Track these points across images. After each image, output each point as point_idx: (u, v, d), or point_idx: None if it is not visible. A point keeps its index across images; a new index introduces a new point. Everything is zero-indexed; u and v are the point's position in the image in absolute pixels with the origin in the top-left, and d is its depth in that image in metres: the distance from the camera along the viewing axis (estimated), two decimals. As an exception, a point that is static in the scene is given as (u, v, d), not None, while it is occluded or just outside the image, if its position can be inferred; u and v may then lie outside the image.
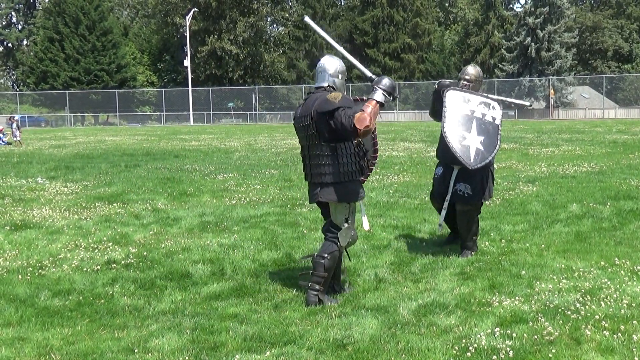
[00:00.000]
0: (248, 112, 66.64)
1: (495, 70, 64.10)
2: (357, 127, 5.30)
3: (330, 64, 5.81)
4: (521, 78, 60.24)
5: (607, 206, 9.72)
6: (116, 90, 63.18)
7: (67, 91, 62.38)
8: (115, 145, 26.68)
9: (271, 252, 7.43)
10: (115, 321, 5.36)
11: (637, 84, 64.02)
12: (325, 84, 5.74)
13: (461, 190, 7.15)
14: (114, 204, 10.89)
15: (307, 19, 6.43)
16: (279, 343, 4.80)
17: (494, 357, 4.46)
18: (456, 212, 7.24)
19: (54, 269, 6.91)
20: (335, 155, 5.56)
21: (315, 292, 5.61)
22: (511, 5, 73.82)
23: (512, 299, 5.59)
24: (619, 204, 9.83)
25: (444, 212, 7.29)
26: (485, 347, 4.60)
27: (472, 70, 7.43)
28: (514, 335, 4.80)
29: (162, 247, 7.81)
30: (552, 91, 58.09)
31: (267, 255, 7.29)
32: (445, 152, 7.08)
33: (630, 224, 8.56)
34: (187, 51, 60.80)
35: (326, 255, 5.64)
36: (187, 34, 60.80)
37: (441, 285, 6.08)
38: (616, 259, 6.78)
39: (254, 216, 9.66)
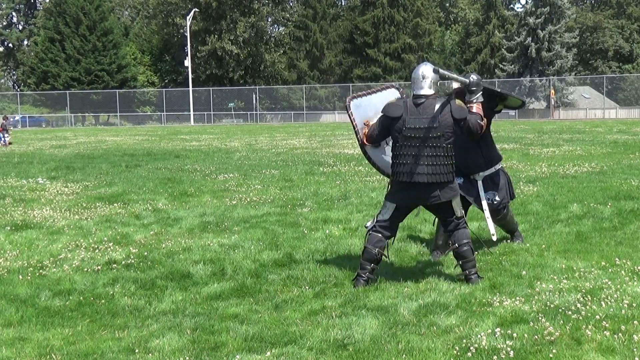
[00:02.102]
0: (249, 112, 66.70)
1: (495, 70, 64.14)
2: (481, 130, 6.11)
3: (430, 73, 6.12)
4: (522, 78, 60.26)
5: (608, 206, 9.71)
6: (117, 90, 63.20)
7: (67, 91, 62.41)
8: (115, 146, 26.70)
9: (272, 252, 7.43)
10: (115, 321, 5.36)
11: (638, 84, 64.03)
12: (432, 92, 6.09)
13: (489, 199, 7.19)
14: (115, 204, 10.90)
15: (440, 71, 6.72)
16: (280, 343, 4.80)
17: (495, 357, 4.45)
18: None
19: (55, 269, 6.91)
20: (450, 156, 6.07)
21: (476, 274, 6.17)
22: (512, 5, 73.83)
23: (513, 299, 5.58)
24: (620, 204, 9.82)
25: (490, 222, 7.24)
26: (486, 347, 4.59)
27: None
28: (515, 335, 4.79)
29: (162, 247, 7.81)
30: (552, 91, 58.10)
31: (267, 255, 7.29)
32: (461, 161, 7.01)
33: (631, 224, 8.55)
34: (187, 51, 60.83)
35: (467, 241, 6.21)
36: (188, 34, 60.85)
37: (442, 285, 6.08)
38: (617, 259, 6.78)
39: (254, 216, 9.65)
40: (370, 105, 6.48)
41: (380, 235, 6.22)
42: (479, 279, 6.14)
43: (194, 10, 62.22)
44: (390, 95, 6.55)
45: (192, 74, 61.65)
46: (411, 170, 6.02)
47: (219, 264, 6.94)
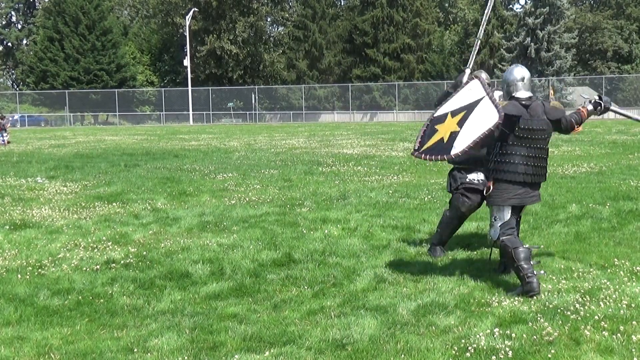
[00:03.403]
0: (248, 112, 66.69)
1: (495, 70, 64.07)
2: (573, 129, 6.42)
3: (528, 74, 6.32)
4: (521, 78, 60.22)
5: (607, 207, 9.72)
6: (116, 90, 63.17)
7: (66, 91, 62.38)
8: (114, 145, 26.69)
9: (270, 252, 7.43)
10: (114, 321, 5.36)
11: (637, 84, 64.03)
12: (531, 94, 6.23)
13: None
14: (114, 204, 10.89)
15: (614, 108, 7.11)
16: (278, 343, 4.80)
17: (493, 357, 4.46)
18: None
19: (54, 269, 6.91)
20: (548, 157, 6.28)
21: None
22: (511, 6, 73.86)
23: (512, 300, 5.59)
24: (619, 205, 9.83)
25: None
26: (485, 348, 4.60)
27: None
28: (513, 335, 4.80)
29: (161, 246, 7.81)
30: (552, 91, 58.01)
31: (266, 255, 7.29)
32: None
33: (630, 225, 8.56)
34: (187, 51, 60.81)
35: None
36: (187, 34, 60.82)
37: (441, 286, 6.08)
38: (615, 259, 6.78)
39: (253, 216, 9.65)
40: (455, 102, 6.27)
41: (513, 235, 6.15)
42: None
43: (193, 9, 62.18)
44: (475, 87, 6.22)
45: (191, 73, 61.61)
46: (522, 171, 6.03)
47: (218, 264, 6.94)
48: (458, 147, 5.72)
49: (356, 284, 6.21)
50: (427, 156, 5.90)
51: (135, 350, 4.72)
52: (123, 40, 69.07)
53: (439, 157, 5.87)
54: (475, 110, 5.86)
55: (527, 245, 6.12)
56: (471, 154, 6.33)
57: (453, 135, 5.80)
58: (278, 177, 14.24)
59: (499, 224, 6.13)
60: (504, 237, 6.06)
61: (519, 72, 6.24)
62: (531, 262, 5.91)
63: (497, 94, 6.26)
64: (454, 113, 5.99)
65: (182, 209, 10.42)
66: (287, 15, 75.59)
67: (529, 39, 60.67)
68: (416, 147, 6.00)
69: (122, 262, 7.10)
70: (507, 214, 6.16)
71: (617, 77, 67.05)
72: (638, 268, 6.47)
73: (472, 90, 6.09)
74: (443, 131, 5.92)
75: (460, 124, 5.84)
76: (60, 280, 6.50)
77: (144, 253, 7.46)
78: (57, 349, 4.76)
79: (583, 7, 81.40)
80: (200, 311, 5.55)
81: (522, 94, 6.14)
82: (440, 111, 6.13)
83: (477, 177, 7.06)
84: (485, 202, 6.37)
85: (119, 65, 65.35)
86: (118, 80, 64.80)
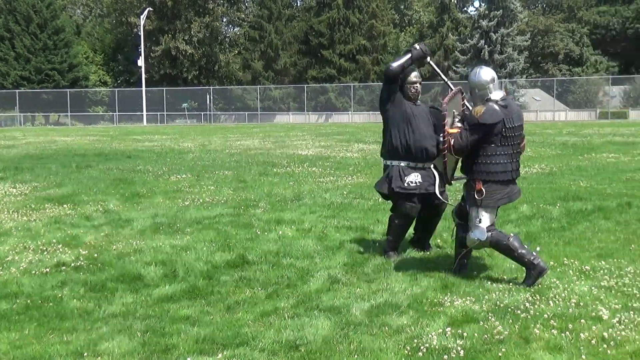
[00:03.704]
0: (202, 113, 66.24)
1: (449, 72, 64.71)
2: None
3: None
4: (474, 80, 60.85)
5: (557, 207, 9.88)
6: (68, 90, 62.13)
7: (17, 90, 61.15)
8: (66, 146, 26.28)
9: (224, 253, 7.39)
10: (64, 325, 5.27)
11: (587, 87, 65.22)
12: (503, 92, 6.37)
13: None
14: (64, 205, 10.72)
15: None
16: (232, 345, 4.77)
17: (445, 356, 4.50)
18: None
19: (1, 272, 6.78)
20: None
21: None
22: (465, 8, 74.64)
23: (464, 299, 5.65)
24: (568, 205, 10.00)
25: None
26: (437, 347, 4.64)
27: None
28: (465, 334, 4.85)
29: (113, 248, 7.71)
30: (505, 93, 58.83)
31: (220, 256, 7.25)
32: None
33: (579, 225, 8.71)
34: (141, 51, 60.18)
35: None
36: (142, 34, 60.20)
37: (394, 286, 6.11)
38: (565, 258, 6.90)
39: (207, 217, 9.59)
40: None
41: (498, 230, 6.33)
42: None
43: (148, 9, 61.57)
44: (456, 99, 6.64)
45: (145, 73, 60.98)
46: (507, 169, 6.16)
47: (171, 266, 6.88)
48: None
49: (310, 285, 6.21)
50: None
51: (86, 354, 4.65)
52: (76, 39, 68.03)
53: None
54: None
55: (512, 234, 6.33)
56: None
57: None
58: (232, 178, 14.18)
59: (485, 225, 6.21)
60: (493, 233, 6.19)
61: (488, 73, 6.29)
62: (534, 252, 6.14)
63: (499, 94, 6.25)
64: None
65: (135, 210, 10.30)
66: (243, 15, 75.30)
67: (482, 42, 61.41)
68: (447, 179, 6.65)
69: (72, 264, 6.99)
70: (494, 215, 6.32)
71: (568, 80, 68.21)
72: (587, 267, 6.59)
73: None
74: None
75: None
76: (8, 283, 6.38)
77: (95, 255, 7.35)
78: (5, 354, 4.66)
79: (535, 11, 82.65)
80: (152, 314, 5.49)
81: (496, 95, 6.22)
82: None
83: (415, 179, 7.07)
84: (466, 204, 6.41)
85: (71, 65, 64.34)
86: (70, 80, 63.78)
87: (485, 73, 6.27)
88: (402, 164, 7.08)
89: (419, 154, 7.06)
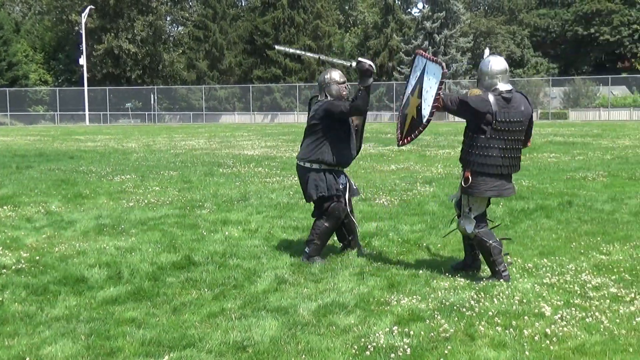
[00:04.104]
0: (146, 113, 65.45)
1: (394, 73, 65.26)
2: None
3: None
4: (419, 81, 61.46)
5: (500, 206, 10.04)
6: (7, 89, 60.78)
7: (-46, 89, 59.69)
8: (5, 146, 25.70)
9: (170, 254, 7.32)
10: (4, 329, 5.15)
11: (529, 88, 66.35)
12: (511, 86, 6.34)
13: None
14: (4, 207, 10.47)
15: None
16: (178, 347, 4.73)
17: (392, 355, 4.53)
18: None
19: (-61, 276, 6.59)
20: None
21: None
22: (409, 10, 75.31)
23: (410, 298, 5.70)
24: (511, 204, 10.17)
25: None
26: (384, 346, 4.67)
27: None
28: (412, 333, 4.89)
29: (55, 251, 7.56)
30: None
31: (165, 257, 7.17)
32: None
33: (522, 223, 8.87)
34: (82, 49, 59.19)
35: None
36: (83, 32, 59.18)
37: (341, 285, 6.14)
38: (508, 257, 7.01)
39: (152, 218, 9.48)
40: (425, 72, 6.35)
41: (487, 228, 6.35)
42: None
43: (89, 7, 60.53)
44: (418, 60, 6.52)
45: (87, 73, 59.98)
46: (499, 163, 6.16)
47: (115, 268, 6.78)
48: (426, 113, 6.14)
49: (257, 286, 6.20)
50: (409, 138, 6.37)
51: (27, 358, 4.55)
52: (15, 37, 66.54)
53: (416, 132, 6.30)
54: (424, 77, 6.24)
55: (498, 238, 6.37)
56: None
57: (419, 108, 6.22)
58: (178, 179, 14.05)
59: (474, 216, 6.29)
60: (480, 230, 6.25)
61: (501, 63, 6.32)
62: (504, 255, 6.28)
63: (506, 87, 6.26)
64: (412, 92, 6.41)
65: (78, 211, 10.13)
66: (187, 15, 74.67)
67: (426, 43, 62.08)
68: (398, 138, 6.48)
69: (13, 267, 6.83)
70: (484, 206, 6.38)
71: (510, 81, 69.26)
72: (529, 265, 6.72)
73: (417, 65, 6.47)
74: (411, 111, 6.35)
75: (420, 95, 6.24)
76: (-54, 287, 6.21)
77: (37, 258, 7.20)
78: (-57, 360, 4.54)
79: (478, 13, 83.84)
80: (96, 316, 5.40)
81: (504, 86, 6.24)
82: (404, 99, 6.58)
83: (342, 180, 7.19)
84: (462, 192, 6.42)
85: (10, 64, 62.94)
86: (9, 78, 62.38)
87: (499, 63, 6.31)
88: (335, 168, 7.10)
89: (349, 159, 7.22)
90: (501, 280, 6.12)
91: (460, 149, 6.51)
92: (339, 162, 7.09)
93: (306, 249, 7.10)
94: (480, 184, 6.19)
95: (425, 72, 6.27)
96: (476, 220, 6.28)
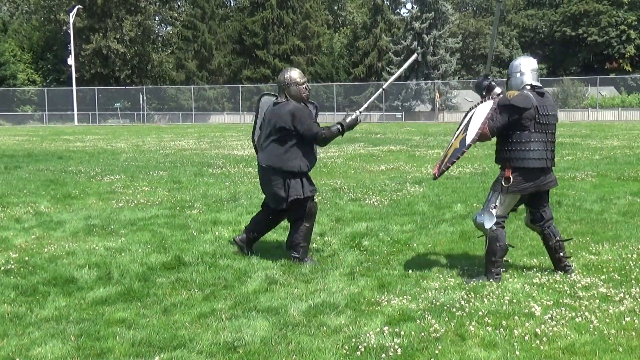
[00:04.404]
0: (135, 113, 65.26)
1: (383, 73, 65.31)
2: None
3: None
4: (408, 81, 61.63)
5: (490, 206, 10.05)
6: (-6, 88, 60.59)
7: (-59, 89, 59.32)
8: (-6, 146, 25.58)
9: (160, 255, 7.30)
10: (-6, 330, 5.13)
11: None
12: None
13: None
14: (-7, 208, 10.43)
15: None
16: (169, 347, 4.72)
17: (383, 355, 4.54)
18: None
19: None
20: None
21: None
22: (398, 10, 75.39)
23: (400, 298, 5.70)
24: (501, 204, 10.18)
25: None
26: (375, 346, 4.67)
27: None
28: (402, 333, 4.89)
29: (45, 251, 7.53)
30: (437, 94, 59.72)
31: (155, 258, 7.15)
32: None
33: (511, 224, 8.87)
34: (71, 49, 58.93)
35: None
36: (71, 32, 58.94)
37: (331, 286, 6.14)
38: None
39: (142, 219, 9.46)
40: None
41: (504, 229, 6.35)
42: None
43: (77, 6, 60.27)
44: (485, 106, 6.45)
45: (76, 72, 59.73)
46: (543, 157, 6.22)
47: (105, 268, 6.76)
48: (470, 137, 6.13)
49: (247, 286, 6.19)
50: (447, 166, 6.23)
51: (17, 359, 4.53)
52: (2, 37, 66.24)
53: (455, 158, 6.17)
54: (475, 112, 6.39)
55: (507, 243, 6.36)
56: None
57: (463, 139, 6.22)
58: (167, 179, 14.02)
59: (497, 213, 6.30)
60: (497, 228, 6.27)
61: (533, 62, 6.50)
62: (503, 260, 6.32)
63: (536, 83, 6.39)
64: (459, 128, 6.48)
65: (67, 212, 10.09)
66: (176, 14, 74.49)
67: (415, 43, 62.07)
68: (435, 173, 6.34)
69: (2, 268, 6.80)
70: (512, 206, 6.44)
71: (499, 82, 69.25)
72: (519, 265, 6.74)
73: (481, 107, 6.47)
74: (454, 144, 6.37)
75: (465, 129, 6.29)
76: None
77: (26, 258, 7.16)
78: None
79: (466, 13, 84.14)
80: (86, 317, 5.38)
81: (535, 83, 6.38)
82: (450, 142, 6.57)
83: (312, 181, 7.21)
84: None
85: (-3, 63, 62.67)
86: (-3, 78, 62.14)
87: (532, 62, 6.48)
88: (306, 170, 7.04)
89: (315, 162, 7.21)
90: (491, 280, 6.15)
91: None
92: (309, 166, 7.04)
93: (294, 254, 7.06)
94: (521, 181, 6.25)
95: (478, 108, 6.44)
96: (497, 217, 6.30)
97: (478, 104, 6.58)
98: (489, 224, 6.28)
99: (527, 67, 6.43)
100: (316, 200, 7.32)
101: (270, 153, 7.02)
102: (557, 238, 6.47)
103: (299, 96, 7.04)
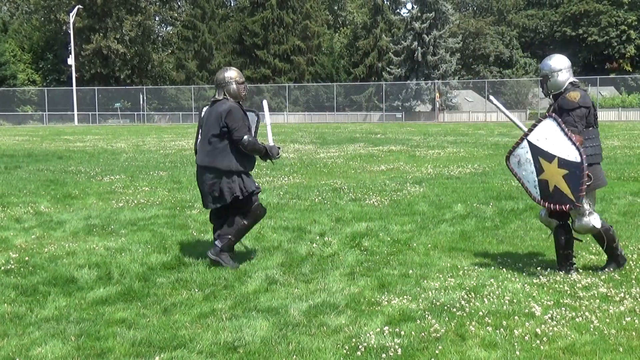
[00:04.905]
0: (135, 113, 65.25)
1: (383, 73, 65.32)
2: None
3: None
4: (408, 81, 61.66)
5: (490, 206, 10.07)
6: (-5, 88, 60.58)
7: (-59, 89, 59.30)
8: (-6, 146, 25.57)
9: (160, 255, 7.30)
10: (-6, 330, 5.13)
11: (517, 88, 66.70)
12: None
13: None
14: (-7, 207, 10.43)
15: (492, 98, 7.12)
16: (169, 347, 4.72)
17: (383, 355, 4.53)
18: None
19: None
20: None
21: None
22: (398, 10, 75.40)
23: (401, 298, 5.70)
24: (501, 204, 10.20)
25: None
26: (375, 346, 4.67)
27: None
28: (402, 333, 4.89)
29: (45, 251, 7.53)
30: (438, 94, 59.73)
31: (155, 258, 7.15)
32: None
33: (512, 223, 8.90)
34: (71, 49, 58.92)
35: None
36: (71, 32, 58.94)
37: (331, 286, 6.13)
38: (498, 257, 7.05)
39: (142, 219, 9.45)
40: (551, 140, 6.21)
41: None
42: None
43: (77, 6, 60.27)
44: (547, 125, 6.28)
45: (76, 72, 59.73)
46: (600, 151, 6.41)
47: (105, 268, 6.75)
48: (577, 157, 5.95)
49: (247, 286, 6.19)
50: (557, 206, 6.15)
51: (17, 359, 4.53)
52: (2, 37, 66.22)
53: (582, 186, 5.99)
54: (543, 139, 6.15)
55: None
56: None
57: (563, 187, 6.06)
58: (167, 179, 14.02)
59: (594, 209, 6.47)
60: (606, 224, 6.50)
61: (567, 59, 6.55)
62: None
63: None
64: (545, 157, 6.17)
65: (67, 212, 10.08)
66: (176, 14, 74.48)
67: (415, 43, 62.10)
68: (537, 199, 6.29)
69: (2, 268, 6.80)
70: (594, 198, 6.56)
71: (499, 82, 69.62)
72: (519, 265, 6.74)
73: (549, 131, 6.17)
74: (552, 179, 6.13)
75: (564, 176, 6.04)
76: None
77: (27, 258, 7.16)
78: None
79: (467, 13, 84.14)
80: (86, 317, 5.38)
81: (573, 78, 6.46)
82: (529, 160, 6.30)
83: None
84: None
85: (-2, 63, 62.65)
86: (-3, 78, 62.11)
87: (564, 60, 6.49)
88: (241, 170, 6.93)
89: (254, 163, 7.15)
90: (616, 265, 6.46)
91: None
92: (245, 166, 6.92)
93: (217, 242, 6.89)
94: (598, 174, 6.33)
95: (542, 139, 6.20)
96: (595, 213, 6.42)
97: (526, 137, 6.34)
98: (599, 223, 6.39)
99: (565, 65, 6.45)
100: (261, 203, 7.15)
101: (206, 152, 6.92)
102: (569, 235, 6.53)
103: (237, 95, 6.98)
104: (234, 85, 6.97)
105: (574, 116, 6.17)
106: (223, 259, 6.83)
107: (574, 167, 5.96)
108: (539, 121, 6.25)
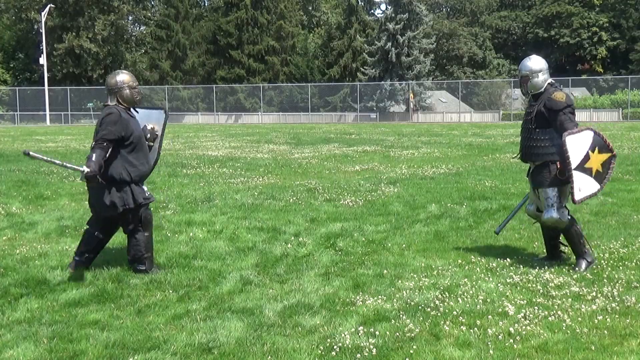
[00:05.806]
0: (108, 113, 64.62)
1: (357, 74, 65.44)
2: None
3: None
4: (382, 82, 61.82)
5: (464, 206, 10.12)
6: (-35, 88, 59.79)
7: None
8: (-36, 147, 25.25)
9: (134, 256, 7.23)
10: (-35, 332, 5.06)
11: (491, 89, 67.20)
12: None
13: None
14: (-36, 209, 10.29)
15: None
16: (143, 349, 4.69)
17: (358, 355, 4.54)
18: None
19: None
20: None
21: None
22: (372, 11, 75.60)
23: (375, 298, 5.71)
24: (475, 204, 10.26)
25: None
26: (350, 346, 4.68)
27: None
28: (377, 333, 4.90)
29: (16, 253, 7.45)
30: (411, 95, 59.95)
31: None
32: None
33: (485, 223, 8.95)
34: (42, 49, 58.35)
35: None
36: (43, 31, 58.34)
37: (306, 286, 6.13)
38: (472, 257, 7.09)
39: (115, 219, 9.37)
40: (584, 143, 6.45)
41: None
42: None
43: (49, 5, 59.67)
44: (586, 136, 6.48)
45: (47, 72, 59.15)
46: None
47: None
48: (603, 145, 6.51)
49: (222, 287, 6.17)
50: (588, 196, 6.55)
51: (-12, 362, 4.49)
52: (-28, 36, 65.44)
53: (609, 174, 6.67)
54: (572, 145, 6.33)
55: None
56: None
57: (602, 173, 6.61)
58: (141, 180, 13.90)
59: (564, 203, 6.71)
60: (569, 218, 6.75)
61: (541, 60, 6.80)
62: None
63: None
64: (592, 149, 6.45)
65: (39, 213, 9.98)
66: (150, 14, 74.03)
67: (390, 44, 62.27)
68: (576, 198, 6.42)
69: (-27, 270, 6.72)
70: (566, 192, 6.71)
71: (472, 82, 70.08)
72: (493, 264, 6.78)
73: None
74: (595, 165, 6.50)
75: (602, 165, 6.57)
76: None
77: (-2, 260, 7.08)
78: None
79: (440, 14, 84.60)
80: (59, 319, 5.33)
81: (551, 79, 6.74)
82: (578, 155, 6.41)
83: (145, 188, 6.79)
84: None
85: (-33, 63, 61.86)
86: (-33, 78, 61.33)
87: (542, 61, 6.75)
88: (128, 180, 6.56)
89: (145, 174, 6.76)
90: (588, 260, 6.62)
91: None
92: (133, 175, 6.55)
93: (140, 267, 6.59)
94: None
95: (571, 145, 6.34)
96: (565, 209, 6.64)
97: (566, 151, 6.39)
98: (566, 216, 6.61)
99: (544, 66, 6.71)
100: (151, 209, 6.86)
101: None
102: None
103: (131, 99, 6.79)
104: (127, 90, 6.75)
105: (567, 114, 6.48)
106: (154, 271, 6.62)
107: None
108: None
